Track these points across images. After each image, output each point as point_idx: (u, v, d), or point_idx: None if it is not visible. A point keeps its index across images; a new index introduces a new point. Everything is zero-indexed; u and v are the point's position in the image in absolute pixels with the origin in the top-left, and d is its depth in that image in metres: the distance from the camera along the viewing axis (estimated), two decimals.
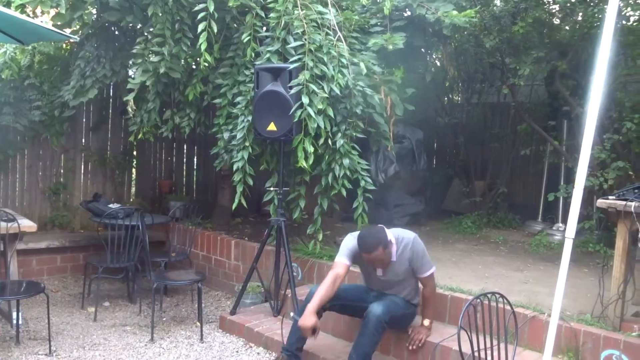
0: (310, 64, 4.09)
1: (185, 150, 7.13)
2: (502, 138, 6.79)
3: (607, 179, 4.55)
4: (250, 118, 4.37)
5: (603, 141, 4.73)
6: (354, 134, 4.31)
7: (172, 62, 4.59)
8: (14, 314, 3.96)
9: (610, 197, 3.19)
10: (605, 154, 4.65)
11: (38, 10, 4.78)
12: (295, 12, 4.23)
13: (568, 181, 5.52)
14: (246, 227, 5.96)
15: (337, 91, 4.09)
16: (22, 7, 4.40)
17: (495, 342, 2.61)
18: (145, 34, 4.63)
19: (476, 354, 2.50)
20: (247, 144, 4.42)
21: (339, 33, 4.29)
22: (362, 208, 4.35)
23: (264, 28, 4.54)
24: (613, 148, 4.73)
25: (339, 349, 3.69)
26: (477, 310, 2.59)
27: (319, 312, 3.25)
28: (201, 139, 6.73)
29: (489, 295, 2.63)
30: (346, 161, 4.24)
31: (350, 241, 3.36)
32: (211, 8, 4.17)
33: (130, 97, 4.79)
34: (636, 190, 3.16)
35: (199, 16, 4.21)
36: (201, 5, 4.22)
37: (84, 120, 6.26)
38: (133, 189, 6.82)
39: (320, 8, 4.29)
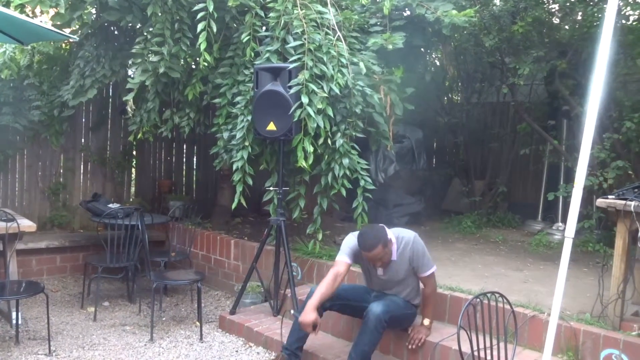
0: (310, 63, 4.09)
1: (184, 150, 7.13)
2: (502, 137, 6.80)
3: (606, 179, 4.55)
4: (249, 118, 4.37)
5: (603, 140, 4.74)
6: (354, 133, 4.31)
7: (172, 62, 4.59)
8: (14, 314, 3.95)
9: (610, 196, 3.19)
10: (605, 154, 4.65)
11: (37, 10, 4.78)
12: (295, 11, 4.23)
13: (568, 180, 5.53)
14: (246, 226, 5.96)
15: (337, 91, 4.09)
16: (21, 7, 4.40)
17: (495, 342, 2.61)
18: (145, 33, 4.63)
19: (476, 353, 2.50)
20: (246, 143, 4.42)
21: (339, 33, 4.29)
22: (361, 208, 4.35)
23: (264, 28, 4.54)
24: (613, 147, 4.74)
25: (338, 348, 3.69)
26: (477, 310, 2.59)
27: (320, 312, 3.26)
28: (201, 139, 6.75)
29: (489, 295, 2.63)
30: (346, 161, 4.24)
31: (351, 240, 3.37)
32: (210, 8, 4.16)
33: (129, 97, 4.79)
34: (636, 190, 3.16)
35: (199, 16, 4.21)
36: (200, 5, 4.22)
37: (84, 120, 6.27)
38: (133, 189, 6.82)
39: (319, 8, 4.29)
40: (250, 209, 5.79)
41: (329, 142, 4.21)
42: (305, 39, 4.14)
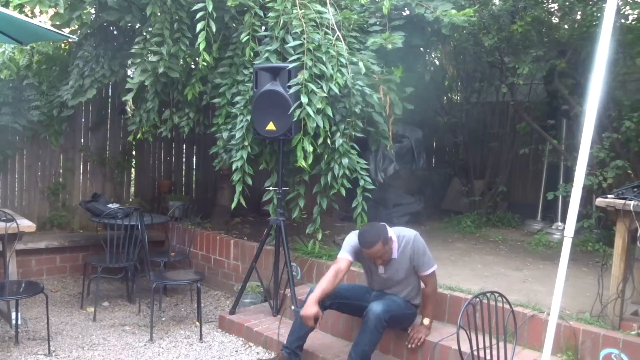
0: (309, 63, 4.09)
1: (184, 150, 7.13)
2: (502, 137, 6.80)
3: (606, 178, 4.55)
4: (249, 117, 4.37)
5: (602, 140, 4.74)
6: (353, 133, 4.31)
7: (171, 62, 4.58)
8: (13, 314, 3.95)
9: (609, 195, 3.19)
10: (604, 153, 4.65)
11: (37, 10, 4.77)
12: (294, 11, 4.23)
13: (567, 180, 5.53)
14: (245, 226, 5.96)
15: (336, 90, 4.09)
16: (20, 7, 4.39)
17: (494, 341, 2.61)
18: (144, 33, 4.62)
19: (475, 353, 2.50)
20: (246, 143, 4.42)
21: (338, 32, 4.28)
22: (361, 207, 4.35)
23: (263, 27, 4.54)
24: (612, 147, 4.74)
25: (338, 348, 3.69)
26: (477, 310, 2.59)
27: (320, 310, 3.25)
28: (200, 139, 6.75)
29: (488, 295, 2.63)
30: (345, 160, 4.24)
31: (352, 238, 3.39)
32: (210, 7, 4.16)
33: (129, 97, 4.78)
34: (635, 189, 3.16)
35: (198, 16, 4.21)
36: (200, 5, 4.21)
37: (83, 120, 6.27)
38: (132, 189, 6.82)
39: (319, 7, 4.29)
40: (249, 209, 5.79)
41: (329, 141, 4.21)
42: (304, 38, 4.14)
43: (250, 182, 4.45)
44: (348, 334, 3.80)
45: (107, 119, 6.42)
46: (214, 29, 4.27)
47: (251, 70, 4.38)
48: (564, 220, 5.61)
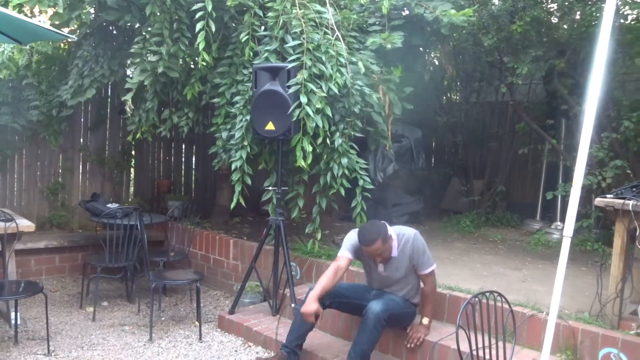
0: (309, 63, 4.09)
1: (183, 150, 7.13)
2: (501, 137, 6.80)
3: (605, 178, 4.56)
4: (248, 117, 4.37)
5: (601, 140, 4.74)
6: (353, 133, 4.31)
7: (170, 62, 4.58)
8: (13, 314, 3.95)
9: (608, 195, 3.19)
10: (604, 153, 4.66)
11: (36, 10, 4.77)
12: (294, 11, 4.23)
13: (566, 180, 5.54)
14: (245, 226, 5.96)
15: (336, 90, 4.09)
16: (19, 7, 4.39)
17: (493, 341, 2.61)
18: (144, 33, 4.62)
19: (474, 352, 2.50)
20: (245, 143, 4.42)
21: (337, 32, 4.28)
22: (360, 207, 4.35)
23: (262, 27, 4.54)
24: (611, 147, 4.74)
25: (337, 347, 3.69)
26: (476, 309, 2.59)
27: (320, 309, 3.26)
28: (199, 139, 6.75)
29: (488, 294, 2.63)
30: (345, 160, 4.24)
31: (352, 236, 3.40)
32: (209, 7, 4.16)
33: (128, 97, 4.78)
34: (634, 189, 3.17)
35: (197, 15, 4.21)
36: (199, 5, 4.21)
37: (82, 120, 6.27)
38: (131, 189, 6.81)
39: (318, 7, 4.29)
40: (249, 209, 5.79)
41: (328, 141, 4.21)
42: (304, 38, 4.14)
43: (249, 182, 4.45)
44: (347, 334, 3.80)
45: (106, 118, 6.42)
46: (213, 29, 4.27)
47: (250, 70, 4.38)
48: (563, 219, 5.60)
